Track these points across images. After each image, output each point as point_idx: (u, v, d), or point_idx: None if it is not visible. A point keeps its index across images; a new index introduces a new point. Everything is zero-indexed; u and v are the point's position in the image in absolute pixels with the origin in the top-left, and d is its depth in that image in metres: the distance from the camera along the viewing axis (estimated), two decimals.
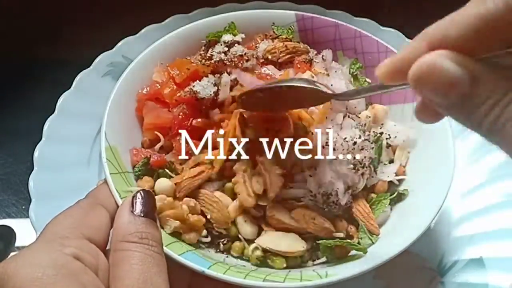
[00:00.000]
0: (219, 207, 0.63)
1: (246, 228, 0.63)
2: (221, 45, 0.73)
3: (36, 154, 0.75)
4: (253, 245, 0.63)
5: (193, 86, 0.68)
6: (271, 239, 0.62)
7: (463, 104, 0.34)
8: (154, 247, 0.48)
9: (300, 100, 0.63)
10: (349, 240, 0.63)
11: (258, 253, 0.62)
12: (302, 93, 0.60)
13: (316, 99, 0.61)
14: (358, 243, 0.63)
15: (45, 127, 0.78)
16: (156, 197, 0.58)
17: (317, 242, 0.62)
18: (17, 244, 0.74)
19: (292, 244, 0.62)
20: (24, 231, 0.73)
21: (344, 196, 0.63)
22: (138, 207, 0.50)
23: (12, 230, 0.76)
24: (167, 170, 0.66)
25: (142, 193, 0.52)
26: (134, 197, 0.51)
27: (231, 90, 0.69)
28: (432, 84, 0.34)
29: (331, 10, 0.93)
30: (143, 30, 0.89)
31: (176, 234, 0.61)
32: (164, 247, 0.55)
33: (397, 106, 0.75)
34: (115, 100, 0.68)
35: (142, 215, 0.50)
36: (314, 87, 0.59)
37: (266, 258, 0.63)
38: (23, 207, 0.81)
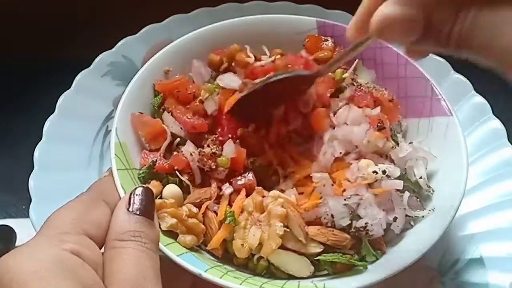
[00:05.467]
0: (212, 230, 0.62)
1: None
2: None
3: (36, 154, 0.75)
4: (256, 256, 0.62)
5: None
6: (282, 258, 0.61)
7: (426, 36, 0.39)
8: (147, 244, 0.47)
9: (289, 92, 0.67)
10: (348, 257, 0.62)
11: (264, 263, 0.62)
12: (288, 84, 0.65)
13: (303, 84, 0.67)
14: (363, 257, 0.63)
15: (45, 127, 0.78)
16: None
17: (316, 258, 0.61)
18: (18, 244, 0.75)
19: (301, 269, 0.61)
20: (25, 231, 0.73)
21: (378, 231, 0.62)
22: (134, 205, 0.50)
23: (13, 230, 0.76)
24: (178, 174, 0.65)
25: (139, 191, 0.51)
26: (131, 194, 0.51)
27: None
28: (392, 32, 0.39)
29: (331, 10, 0.93)
30: (143, 30, 0.89)
31: (174, 235, 0.61)
32: (163, 247, 0.55)
33: (413, 120, 0.74)
34: (128, 96, 0.68)
35: (138, 213, 0.49)
36: (295, 73, 0.65)
37: (269, 267, 0.63)
38: (23, 207, 0.81)
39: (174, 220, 0.59)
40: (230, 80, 0.71)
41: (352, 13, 0.91)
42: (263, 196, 0.63)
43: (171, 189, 0.63)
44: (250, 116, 0.68)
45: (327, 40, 0.77)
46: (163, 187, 0.64)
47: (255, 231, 0.60)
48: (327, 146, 0.67)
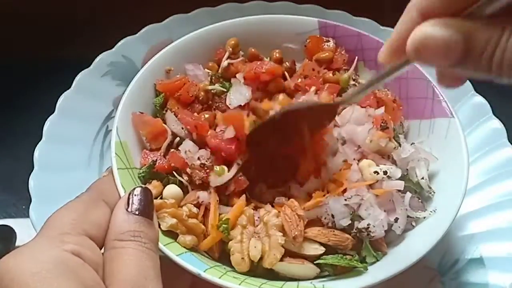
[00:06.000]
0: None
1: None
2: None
3: (36, 154, 0.75)
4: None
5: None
6: (286, 266, 0.61)
7: (466, 59, 0.36)
8: (147, 244, 0.48)
9: (310, 122, 0.63)
10: (349, 258, 0.62)
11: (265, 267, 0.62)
12: (308, 114, 0.60)
13: (324, 115, 0.62)
14: (364, 257, 0.62)
15: (45, 127, 0.78)
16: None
17: (316, 262, 0.61)
18: (18, 244, 0.75)
19: (306, 273, 0.61)
20: (24, 231, 0.73)
21: (380, 232, 0.62)
22: (133, 205, 0.50)
23: (13, 230, 0.76)
24: (176, 175, 0.65)
25: (138, 191, 0.51)
26: (130, 194, 0.51)
27: None
28: (430, 53, 0.37)
29: (331, 10, 0.93)
30: (143, 30, 0.89)
31: (174, 235, 0.61)
32: (162, 246, 0.55)
33: (415, 121, 0.74)
34: (129, 95, 0.68)
35: (137, 213, 0.49)
36: (316, 103, 0.59)
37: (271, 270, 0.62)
38: (23, 207, 0.81)
39: (174, 220, 0.59)
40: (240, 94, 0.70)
41: (352, 13, 0.93)
42: (255, 208, 0.64)
43: (172, 189, 0.63)
44: (264, 148, 0.65)
45: (329, 41, 0.77)
46: (164, 187, 0.64)
47: (255, 243, 0.60)
48: (339, 154, 0.67)
